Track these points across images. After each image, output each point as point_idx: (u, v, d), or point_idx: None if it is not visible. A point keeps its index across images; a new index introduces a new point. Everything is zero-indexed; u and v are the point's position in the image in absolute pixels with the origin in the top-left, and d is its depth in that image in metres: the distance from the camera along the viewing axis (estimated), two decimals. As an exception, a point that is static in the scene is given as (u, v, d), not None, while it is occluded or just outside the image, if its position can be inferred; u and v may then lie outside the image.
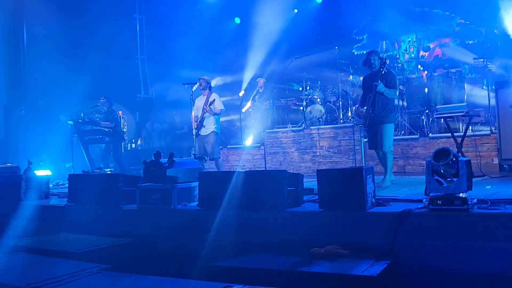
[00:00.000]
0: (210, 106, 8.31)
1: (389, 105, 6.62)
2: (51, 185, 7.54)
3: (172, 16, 13.94)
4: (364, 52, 12.43)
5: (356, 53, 13.33)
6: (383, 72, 6.57)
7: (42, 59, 11.57)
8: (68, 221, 5.88)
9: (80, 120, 10.28)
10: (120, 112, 11.44)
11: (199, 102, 8.49)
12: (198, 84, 8.48)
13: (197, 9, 14.60)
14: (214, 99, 8.37)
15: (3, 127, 11.69)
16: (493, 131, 8.10)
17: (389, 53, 12.48)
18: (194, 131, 8.42)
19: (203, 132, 8.41)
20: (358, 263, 3.55)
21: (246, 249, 4.26)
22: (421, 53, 12.45)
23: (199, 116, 8.41)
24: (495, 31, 10.64)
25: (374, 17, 13.02)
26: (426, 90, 9.67)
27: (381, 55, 6.83)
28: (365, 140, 6.96)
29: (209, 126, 8.40)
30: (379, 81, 6.43)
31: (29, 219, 5.99)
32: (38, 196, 6.82)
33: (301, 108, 11.56)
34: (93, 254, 4.45)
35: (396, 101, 7.34)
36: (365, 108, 6.70)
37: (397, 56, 12.38)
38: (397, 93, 6.85)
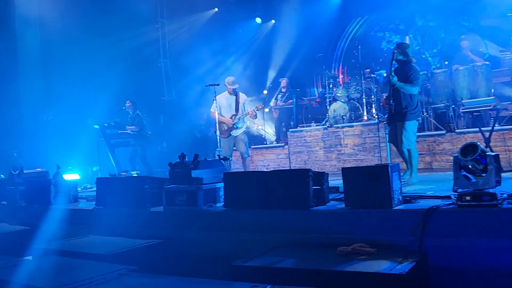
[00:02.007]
0: (254, 109, 8.32)
1: (409, 102, 6.42)
2: (79, 189, 7.68)
3: (193, 18, 14.04)
4: (392, 47, 12.34)
5: (385, 48, 13.17)
6: (403, 63, 6.48)
7: (68, 64, 11.79)
8: (96, 223, 5.97)
9: (106, 124, 10.45)
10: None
11: (229, 101, 8.43)
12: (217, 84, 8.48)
13: (218, 10, 14.66)
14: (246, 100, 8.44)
15: (32, 133, 11.95)
16: (522, 124, 7.93)
17: (416, 48, 12.29)
18: (226, 131, 8.36)
19: (235, 132, 8.42)
20: (386, 261, 3.51)
21: (272, 248, 4.26)
22: (446, 47, 12.24)
23: (228, 116, 8.35)
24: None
25: (394, 13, 12.90)
26: (451, 84, 9.51)
27: (404, 48, 6.59)
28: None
29: (242, 127, 8.46)
30: (393, 74, 6.32)
31: (59, 222, 6.11)
32: (67, 200, 6.95)
33: (325, 106, 11.51)
34: (122, 255, 4.51)
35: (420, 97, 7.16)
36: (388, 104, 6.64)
37: (421, 51, 12.18)
38: (417, 89, 6.49)
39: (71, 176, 7.34)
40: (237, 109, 8.38)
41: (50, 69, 12.02)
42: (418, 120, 6.52)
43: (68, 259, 4.47)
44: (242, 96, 8.51)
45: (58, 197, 6.90)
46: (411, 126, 6.45)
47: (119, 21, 12.48)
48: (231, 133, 8.38)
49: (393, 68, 6.48)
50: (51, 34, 11.89)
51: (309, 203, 4.58)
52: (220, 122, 8.33)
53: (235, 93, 8.46)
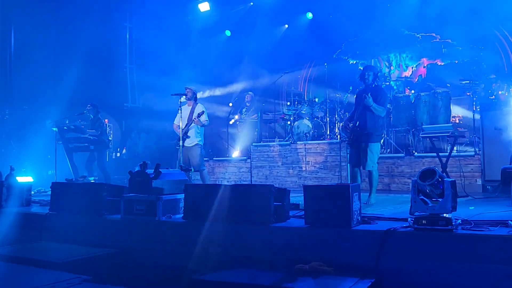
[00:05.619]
0: (199, 118, 8.25)
1: (376, 123, 6.58)
2: (32, 192, 7.43)
3: (163, 26, 13.96)
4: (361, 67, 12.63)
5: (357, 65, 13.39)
6: (373, 86, 6.59)
7: (28, 64, 11.48)
8: (49, 229, 5.79)
9: (65, 127, 10.16)
10: (106, 120, 11.36)
11: (184, 112, 8.41)
12: (184, 94, 8.45)
13: (188, 20, 14.63)
14: (203, 111, 8.34)
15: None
16: (477, 152, 8.20)
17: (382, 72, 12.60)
18: (180, 142, 8.32)
19: (187, 143, 8.33)
20: (342, 281, 3.55)
21: (230, 263, 4.23)
22: (408, 72, 12.62)
23: (182, 126, 8.31)
24: (481, 54, 10.87)
25: (360, 37, 13.21)
26: (412, 109, 9.76)
27: (377, 71, 6.77)
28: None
29: (193, 139, 8.36)
30: (369, 95, 6.35)
31: (9, 226, 5.89)
32: (19, 203, 6.72)
33: (289, 122, 11.61)
34: (75, 264, 4.37)
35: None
36: (351, 124, 6.69)
37: (385, 75, 12.50)
38: (384, 112, 6.68)
39: (24, 179, 7.07)
40: (189, 120, 8.36)
41: (9, 68, 11.67)
42: (380, 142, 6.62)
43: (17, 266, 4.30)
44: (198, 108, 8.46)
45: (9, 200, 6.66)
46: (375, 148, 6.57)
47: (84, 22, 12.24)
48: (184, 143, 8.33)
49: (360, 89, 6.61)
50: (12, 32, 11.56)
51: (269, 219, 4.58)
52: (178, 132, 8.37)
53: (193, 103, 8.50)
